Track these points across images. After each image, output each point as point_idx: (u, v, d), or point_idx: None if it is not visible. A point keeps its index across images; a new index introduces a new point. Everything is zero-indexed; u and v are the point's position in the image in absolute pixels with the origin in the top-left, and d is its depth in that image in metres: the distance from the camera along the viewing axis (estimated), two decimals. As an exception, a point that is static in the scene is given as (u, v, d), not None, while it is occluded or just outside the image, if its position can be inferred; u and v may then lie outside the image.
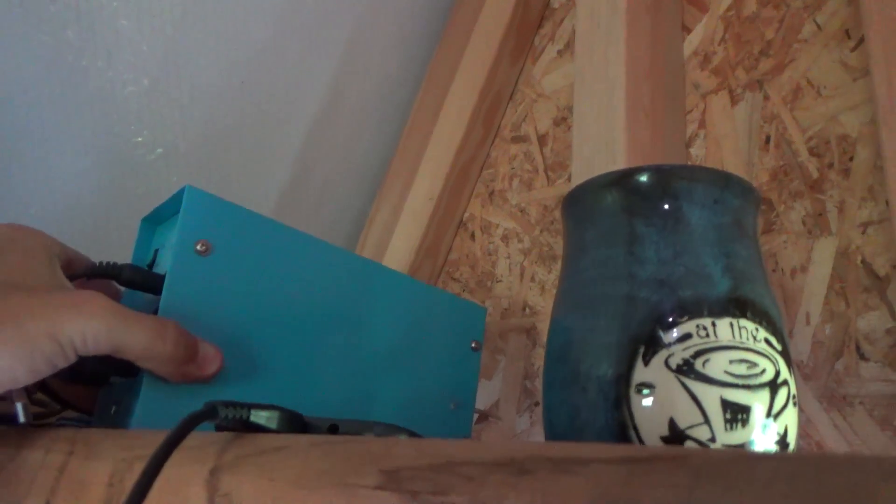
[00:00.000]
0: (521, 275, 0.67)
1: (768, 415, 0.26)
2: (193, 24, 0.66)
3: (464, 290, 0.72)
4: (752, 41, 0.58)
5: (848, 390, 0.45)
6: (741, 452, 0.11)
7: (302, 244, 0.44)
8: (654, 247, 0.29)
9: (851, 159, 0.49)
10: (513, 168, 0.73)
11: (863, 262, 0.47)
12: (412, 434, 0.23)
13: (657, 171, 0.30)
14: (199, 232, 0.39)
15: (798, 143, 0.53)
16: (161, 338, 0.32)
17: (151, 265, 0.42)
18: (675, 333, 0.27)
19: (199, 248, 0.39)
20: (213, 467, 0.21)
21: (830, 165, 0.50)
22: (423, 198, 0.73)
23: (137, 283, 0.38)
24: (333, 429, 0.24)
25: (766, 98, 0.56)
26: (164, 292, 0.37)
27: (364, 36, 0.78)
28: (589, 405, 0.28)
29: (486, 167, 0.76)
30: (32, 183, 0.61)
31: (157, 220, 0.44)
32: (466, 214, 0.76)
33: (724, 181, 0.30)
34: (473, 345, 0.54)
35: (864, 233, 0.47)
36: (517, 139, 0.74)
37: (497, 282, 0.69)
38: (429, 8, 0.84)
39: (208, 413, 0.21)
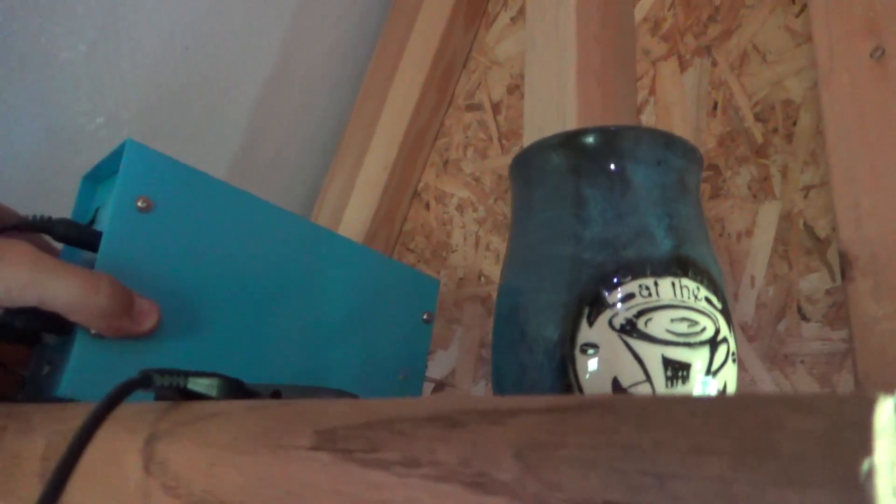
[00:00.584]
0: (477, 244, 0.67)
1: (708, 372, 0.27)
2: (132, -14, 0.63)
3: (419, 261, 0.72)
4: (701, 7, 0.59)
5: (789, 350, 0.46)
6: (662, 397, 0.12)
7: (250, 206, 0.43)
8: (599, 207, 0.29)
9: (795, 124, 0.50)
10: (467, 137, 0.72)
11: (805, 225, 0.48)
12: (355, 398, 0.23)
13: (602, 132, 0.30)
14: (141, 188, 0.38)
15: (744, 108, 0.53)
16: (93, 289, 0.31)
17: (92, 224, 0.40)
18: (618, 293, 0.27)
19: (140, 204, 0.37)
20: (147, 436, 0.20)
21: (775, 130, 0.51)
22: (378, 167, 0.72)
23: (72, 238, 0.37)
24: (276, 395, 0.23)
25: (714, 64, 0.56)
26: (101, 248, 0.36)
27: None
28: (535, 366, 0.28)
29: (441, 136, 0.75)
30: (-37, 154, 0.59)
31: (97, 177, 0.42)
32: (421, 184, 0.75)
33: (667, 141, 0.30)
34: (425, 316, 0.54)
35: (805, 196, 0.48)
36: (471, 107, 0.73)
37: (452, 251, 0.69)
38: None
39: (142, 381, 0.21)
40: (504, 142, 0.69)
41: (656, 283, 0.27)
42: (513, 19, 0.73)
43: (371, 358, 0.49)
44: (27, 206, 0.52)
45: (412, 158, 0.73)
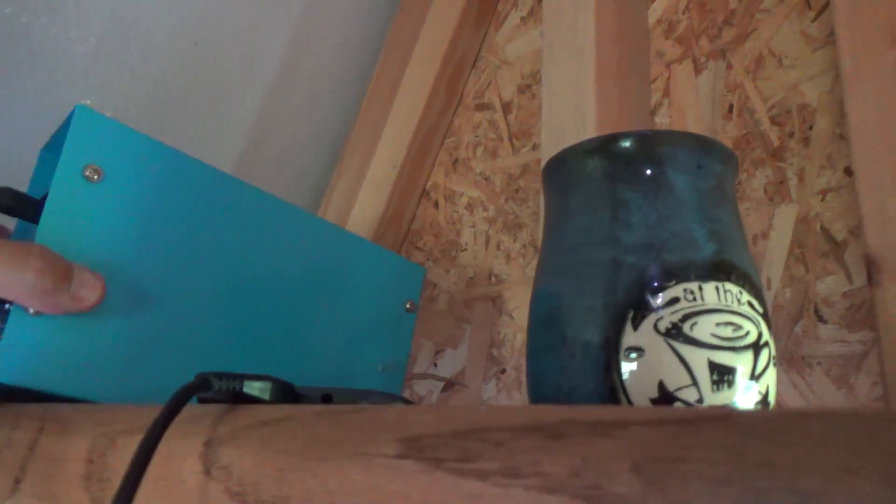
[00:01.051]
0: (487, 243, 0.67)
1: (752, 376, 0.27)
2: (142, -21, 0.62)
3: (428, 259, 0.72)
4: (716, 10, 0.59)
5: (806, 352, 0.47)
6: (787, 412, 0.11)
7: (210, 178, 0.40)
8: (640, 212, 0.29)
9: (811, 128, 0.50)
10: (476, 136, 0.72)
11: (821, 228, 0.48)
12: (409, 403, 0.23)
13: (642, 137, 0.30)
14: (89, 156, 0.36)
15: (760, 112, 0.54)
16: (21, 264, 0.29)
17: (46, 196, 0.39)
18: (663, 298, 0.27)
19: (87, 173, 0.35)
20: (207, 440, 0.20)
21: (791, 134, 0.51)
22: (387, 165, 0.72)
23: (16, 208, 0.35)
24: (326, 398, 0.23)
25: (729, 67, 0.57)
26: (42, 218, 0.34)
27: (322, -3, 0.76)
28: (577, 370, 0.28)
29: (449, 135, 0.75)
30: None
31: (53, 149, 0.41)
32: (429, 183, 0.75)
33: (707, 146, 0.30)
34: (408, 305, 0.52)
35: (822, 199, 0.49)
36: (481, 107, 0.73)
37: (462, 250, 0.69)
38: (388, -30, 0.81)
39: (201, 385, 0.20)
40: (515, 142, 0.69)
41: (700, 288, 0.27)
42: (523, 19, 0.72)
43: (351, 348, 0.47)
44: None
45: (421, 157, 0.73)
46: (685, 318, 0.27)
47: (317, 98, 0.80)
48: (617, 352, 0.27)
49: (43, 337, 0.33)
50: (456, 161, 0.73)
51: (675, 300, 0.27)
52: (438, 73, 0.72)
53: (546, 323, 0.30)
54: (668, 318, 0.27)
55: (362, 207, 0.72)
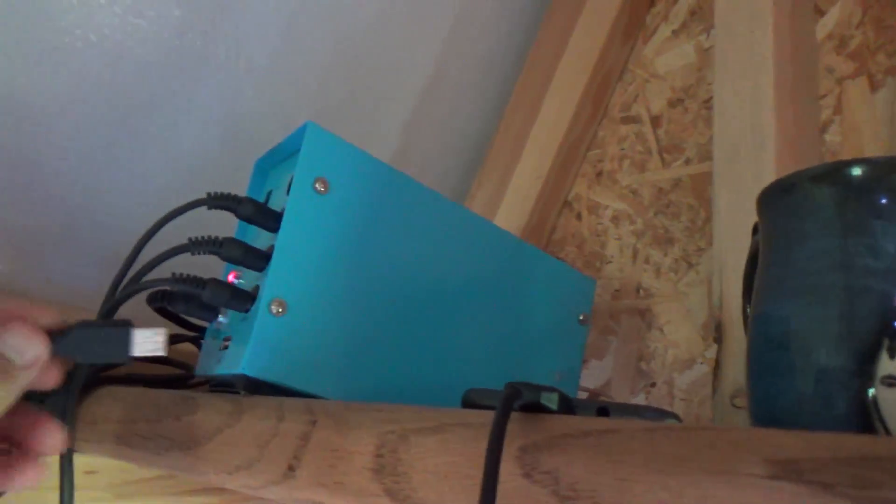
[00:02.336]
0: (634, 256, 0.67)
1: None
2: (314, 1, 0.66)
3: (570, 270, 0.72)
4: (894, 26, 0.57)
5: None
6: None
7: (417, 194, 0.43)
8: (887, 237, 0.29)
9: None
10: (623, 149, 0.72)
11: None
12: (679, 420, 0.24)
13: (878, 164, 0.30)
14: (319, 169, 0.38)
15: (948, 132, 0.52)
16: None
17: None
18: (920, 327, 0.27)
19: (317, 186, 0.38)
20: (521, 445, 0.21)
21: None
22: (530, 176, 0.73)
23: (255, 218, 0.38)
24: (602, 412, 0.24)
25: (911, 85, 0.55)
26: (282, 227, 0.37)
27: (469, 10, 0.78)
28: (823, 396, 0.28)
29: (593, 147, 0.75)
30: (157, 154, 0.63)
31: (271, 162, 0.44)
32: (571, 194, 0.75)
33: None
34: (581, 317, 0.53)
35: None
36: (627, 119, 0.73)
37: (607, 262, 0.69)
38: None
39: (516, 394, 0.22)
40: (665, 155, 0.68)
41: (960, 319, 0.27)
42: (675, 32, 0.72)
43: (527, 356, 0.49)
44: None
45: (565, 169, 0.74)
46: (946, 349, 0.27)
47: (459, 108, 0.82)
48: (870, 379, 0.27)
49: (284, 335, 0.36)
50: (600, 173, 0.74)
51: (934, 331, 0.27)
52: (587, 85, 0.73)
53: (780, 345, 0.31)
54: (927, 348, 0.27)
55: (505, 216, 0.74)
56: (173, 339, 0.45)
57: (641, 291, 0.66)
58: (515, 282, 0.48)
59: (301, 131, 0.39)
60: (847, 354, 0.28)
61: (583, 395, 0.66)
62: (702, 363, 0.59)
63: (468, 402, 0.27)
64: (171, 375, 0.49)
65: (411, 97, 0.77)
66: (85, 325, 0.31)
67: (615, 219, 0.70)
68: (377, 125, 0.76)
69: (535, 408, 0.23)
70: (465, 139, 0.84)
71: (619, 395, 0.64)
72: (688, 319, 0.61)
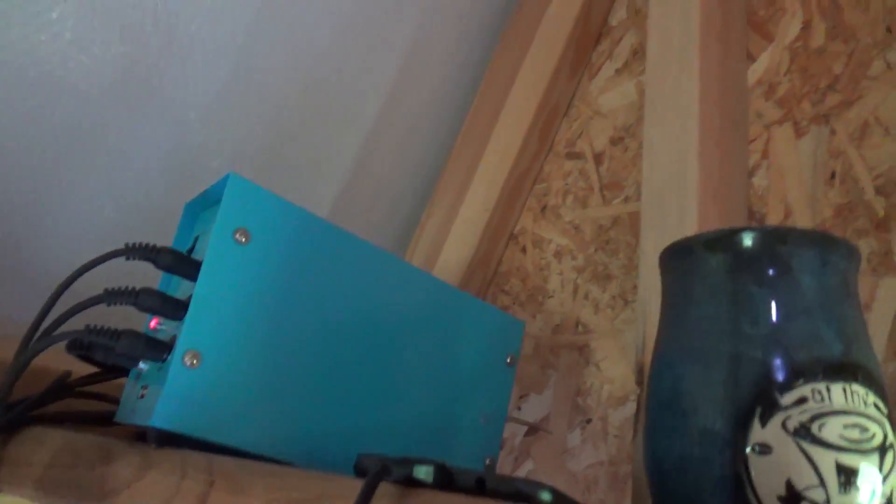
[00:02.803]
0: (575, 292, 0.69)
1: (879, 478, 0.28)
2: (264, 29, 0.66)
3: (514, 303, 0.74)
4: (819, 75, 0.59)
5: (910, 429, 0.46)
6: None
7: (342, 242, 0.44)
8: (767, 307, 0.30)
9: (920, 202, 0.50)
10: (566, 184, 0.74)
11: (929, 305, 0.48)
12: (554, 491, 0.25)
13: (767, 234, 0.32)
14: (239, 220, 0.39)
15: (864, 181, 0.54)
16: None
17: (191, 251, 0.43)
18: (791, 396, 0.28)
19: (238, 236, 0.39)
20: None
21: (898, 206, 0.51)
22: (479, 207, 0.75)
23: (175, 268, 0.39)
24: (480, 482, 0.25)
25: (833, 133, 0.57)
26: (199, 278, 0.37)
27: (424, 39, 0.79)
28: (703, 458, 0.29)
29: (539, 181, 0.77)
30: (106, 186, 0.63)
31: (200, 206, 0.44)
32: (517, 227, 0.77)
33: (832, 245, 0.31)
34: (509, 359, 0.54)
35: (931, 276, 0.48)
36: (572, 155, 0.75)
37: (549, 297, 0.71)
38: (487, 13, 0.84)
39: (385, 471, 0.23)
40: (606, 193, 0.70)
41: (828, 388, 0.28)
42: (618, 71, 0.74)
43: (453, 398, 0.49)
44: (149, 234, 0.55)
45: (511, 201, 0.75)
46: (813, 418, 0.28)
47: (411, 138, 0.83)
48: (744, 446, 0.28)
49: (197, 387, 0.36)
50: (545, 207, 0.75)
51: (802, 399, 0.28)
52: (534, 119, 0.74)
53: (669, 404, 0.32)
54: (796, 417, 0.28)
55: (453, 247, 0.75)
56: (109, 375, 0.45)
57: (580, 327, 0.67)
58: (441, 327, 0.49)
59: (223, 182, 0.39)
60: (726, 419, 0.29)
61: (522, 429, 0.67)
62: (633, 401, 0.60)
63: (358, 468, 0.28)
64: (98, 413, 0.49)
65: (365, 125, 0.78)
66: None
67: (557, 254, 0.72)
68: (330, 152, 0.77)
69: (410, 481, 0.24)
70: (418, 166, 0.85)
71: (557, 429, 0.65)
72: (623, 356, 0.63)
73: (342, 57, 0.73)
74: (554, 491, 0.24)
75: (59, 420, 0.48)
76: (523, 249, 0.75)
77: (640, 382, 0.51)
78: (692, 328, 0.32)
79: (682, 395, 0.31)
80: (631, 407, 0.60)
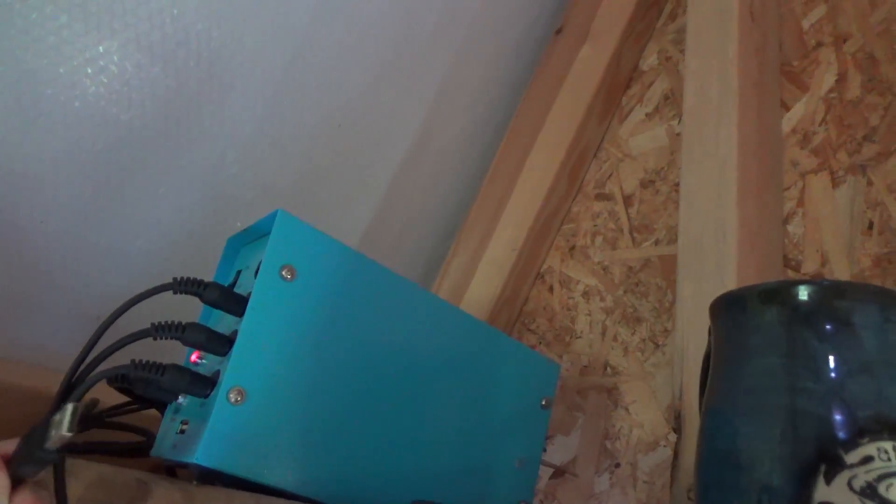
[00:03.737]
0: (603, 333, 0.68)
1: (948, 543, 0.27)
2: (301, 69, 0.68)
3: (540, 342, 0.73)
4: (856, 126, 0.59)
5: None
6: None
7: (384, 280, 0.44)
8: (827, 362, 0.30)
9: (961, 255, 0.50)
10: (595, 225, 0.74)
11: (973, 360, 0.47)
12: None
13: (826, 288, 0.31)
14: (287, 257, 0.39)
15: (903, 232, 0.54)
16: None
17: (233, 286, 0.42)
18: (855, 455, 0.28)
19: (284, 273, 0.39)
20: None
21: (939, 259, 0.51)
22: (506, 247, 0.75)
23: (220, 303, 0.39)
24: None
25: (870, 184, 0.57)
26: (245, 314, 0.37)
27: (452, 84, 0.80)
28: (763, 516, 0.29)
29: (567, 221, 0.77)
30: (140, 217, 0.63)
31: (243, 241, 0.44)
32: (544, 266, 0.77)
33: (892, 300, 0.31)
34: (543, 402, 0.53)
35: (974, 331, 0.48)
36: (601, 196, 0.75)
37: (577, 338, 0.70)
38: (514, 58, 0.86)
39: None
40: (636, 235, 0.70)
41: (894, 448, 0.28)
42: (648, 115, 0.75)
43: (488, 441, 0.49)
44: (187, 267, 0.56)
45: (539, 241, 0.75)
46: (880, 478, 0.27)
47: (439, 177, 0.84)
48: (809, 503, 0.28)
49: (241, 424, 0.36)
50: (573, 248, 0.75)
51: (868, 458, 0.28)
52: (563, 161, 0.75)
53: (723, 459, 0.31)
54: (862, 476, 0.27)
55: (480, 285, 0.75)
56: (143, 407, 0.45)
57: (609, 369, 0.66)
58: (480, 367, 0.49)
59: (271, 217, 0.40)
60: (788, 476, 0.29)
61: (548, 471, 0.66)
62: (665, 446, 0.59)
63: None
64: (131, 445, 0.48)
65: (394, 163, 0.79)
66: (29, 434, 0.30)
67: (586, 294, 0.72)
68: (359, 190, 0.78)
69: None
70: (445, 207, 0.86)
71: (584, 473, 0.64)
72: (653, 400, 0.62)
73: (374, 98, 0.74)
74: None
75: (89, 450, 0.48)
76: (550, 289, 0.75)
77: (676, 429, 0.50)
78: (748, 382, 0.32)
79: (738, 451, 0.31)
80: (662, 453, 0.59)
